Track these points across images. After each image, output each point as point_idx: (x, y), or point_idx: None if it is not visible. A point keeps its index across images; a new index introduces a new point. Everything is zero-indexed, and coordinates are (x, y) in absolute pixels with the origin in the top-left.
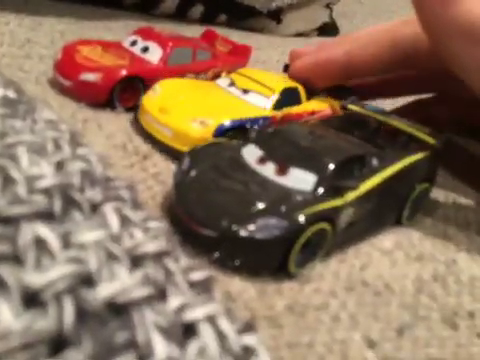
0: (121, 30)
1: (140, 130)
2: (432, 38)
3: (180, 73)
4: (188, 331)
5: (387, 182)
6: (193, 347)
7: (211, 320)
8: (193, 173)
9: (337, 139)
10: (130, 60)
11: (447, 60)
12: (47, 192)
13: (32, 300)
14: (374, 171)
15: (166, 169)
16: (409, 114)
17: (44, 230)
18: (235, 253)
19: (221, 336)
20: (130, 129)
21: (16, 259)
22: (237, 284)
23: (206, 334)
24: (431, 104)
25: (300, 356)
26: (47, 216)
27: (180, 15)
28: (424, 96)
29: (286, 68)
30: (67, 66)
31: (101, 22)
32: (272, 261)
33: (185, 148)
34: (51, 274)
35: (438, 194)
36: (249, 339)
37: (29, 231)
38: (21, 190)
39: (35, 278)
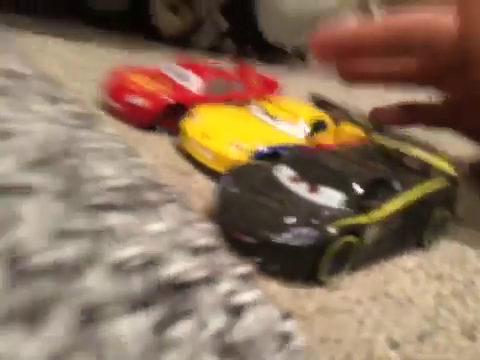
0: (163, 60)
1: (182, 151)
2: (474, 44)
3: (216, 102)
4: (235, 312)
5: (409, 205)
6: (240, 325)
7: (255, 304)
8: (234, 190)
9: (363, 164)
10: (173, 88)
11: None
12: (117, 190)
13: (117, 270)
14: (397, 194)
15: (207, 186)
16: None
17: (118, 217)
18: (272, 258)
19: (264, 319)
20: (173, 150)
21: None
22: (273, 287)
23: (251, 316)
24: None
25: (329, 350)
26: (119, 208)
27: (213, 49)
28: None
29: (313, 100)
30: (116, 90)
31: (145, 53)
32: (304, 267)
33: (224, 169)
34: (127, 252)
35: (458, 219)
36: (287, 325)
37: (106, 219)
38: (96, 187)
39: (117, 254)
